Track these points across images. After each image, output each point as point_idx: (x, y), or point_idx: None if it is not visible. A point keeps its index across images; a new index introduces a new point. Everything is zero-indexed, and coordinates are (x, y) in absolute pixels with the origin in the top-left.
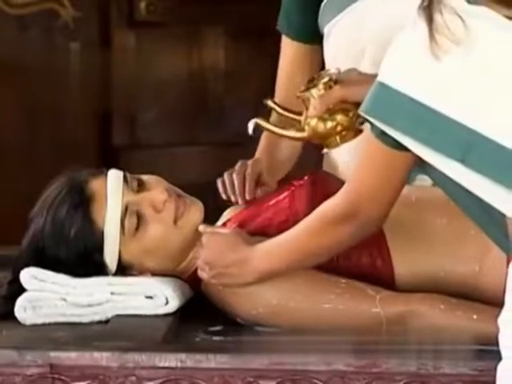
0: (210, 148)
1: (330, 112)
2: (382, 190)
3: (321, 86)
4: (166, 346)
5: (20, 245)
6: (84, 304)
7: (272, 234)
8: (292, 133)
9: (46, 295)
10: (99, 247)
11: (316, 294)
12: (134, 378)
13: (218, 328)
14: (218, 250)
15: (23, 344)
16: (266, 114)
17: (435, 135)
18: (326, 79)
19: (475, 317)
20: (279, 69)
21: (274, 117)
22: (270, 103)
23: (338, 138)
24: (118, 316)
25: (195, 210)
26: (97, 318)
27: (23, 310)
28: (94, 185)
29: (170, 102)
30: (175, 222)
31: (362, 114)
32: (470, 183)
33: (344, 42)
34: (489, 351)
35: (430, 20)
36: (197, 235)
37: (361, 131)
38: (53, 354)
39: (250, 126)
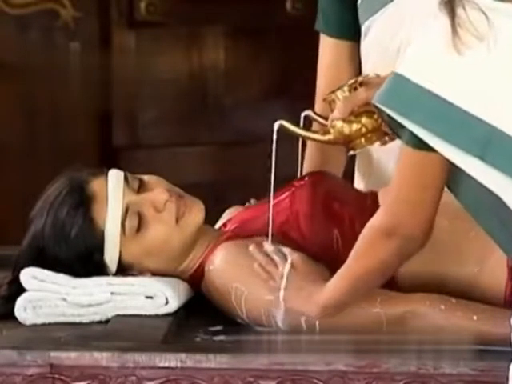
0: (210, 148)
1: (355, 114)
2: (420, 200)
3: (346, 88)
4: (166, 346)
5: (20, 245)
6: (84, 304)
7: (273, 234)
8: (317, 135)
9: (46, 295)
10: (99, 247)
11: None
12: (134, 378)
13: (218, 328)
14: (303, 273)
15: (23, 344)
16: (306, 124)
17: (454, 130)
18: (351, 81)
19: (475, 317)
20: (319, 68)
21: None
22: (311, 114)
23: (363, 140)
24: (118, 316)
25: (196, 210)
26: (97, 317)
27: (23, 309)
28: (95, 185)
29: (170, 101)
30: (176, 222)
31: (377, 104)
32: (489, 180)
33: (379, 42)
34: (489, 351)
35: (452, 15)
36: (197, 235)
37: (386, 133)
38: (53, 353)
39: (275, 127)
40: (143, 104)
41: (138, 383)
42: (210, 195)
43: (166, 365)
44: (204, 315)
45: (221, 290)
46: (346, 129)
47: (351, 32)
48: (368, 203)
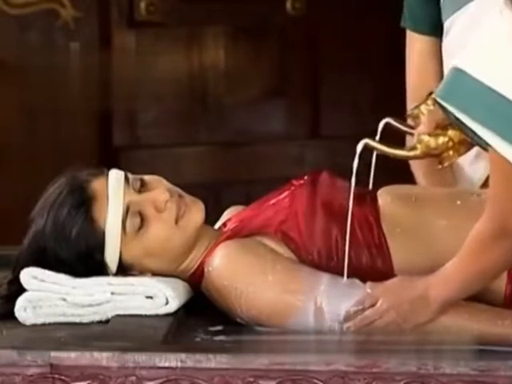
0: (210, 148)
1: (441, 127)
2: None
3: (429, 101)
4: (166, 346)
5: (20, 245)
6: (84, 304)
7: (272, 233)
8: (404, 152)
9: (46, 295)
10: (100, 247)
11: None
12: (134, 378)
13: (218, 328)
14: (397, 294)
15: (23, 344)
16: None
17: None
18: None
19: (500, 322)
20: (408, 66)
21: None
22: (391, 121)
23: (451, 152)
24: (118, 316)
25: (196, 210)
26: (97, 317)
27: (23, 309)
28: (95, 185)
29: (170, 102)
30: (176, 222)
31: (437, 99)
32: None
33: (460, 41)
34: (489, 351)
35: None
36: (197, 235)
37: (473, 144)
38: (53, 353)
39: (359, 147)
40: (143, 104)
41: (138, 383)
42: (209, 195)
43: (166, 365)
44: (204, 315)
45: (221, 289)
46: (433, 142)
47: (438, 29)
48: (367, 202)
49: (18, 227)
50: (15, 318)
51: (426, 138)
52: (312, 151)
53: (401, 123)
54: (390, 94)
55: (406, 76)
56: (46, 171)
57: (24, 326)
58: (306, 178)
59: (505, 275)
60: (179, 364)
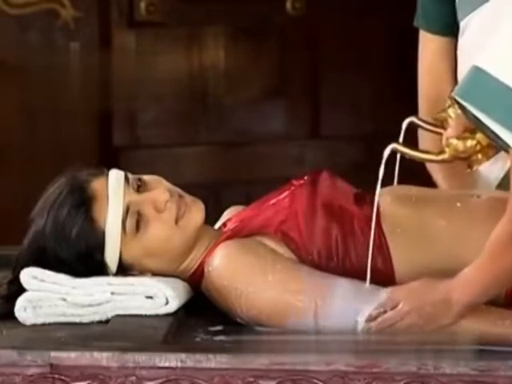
0: (210, 148)
1: (470, 131)
2: None
3: (457, 105)
4: (166, 346)
5: (20, 245)
6: (84, 304)
7: (272, 233)
8: (432, 156)
9: (46, 295)
10: (100, 247)
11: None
12: (134, 378)
13: (218, 328)
14: (418, 296)
15: (23, 344)
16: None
17: None
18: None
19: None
20: (420, 67)
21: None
22: (415, 120)
23: (479, 156)
24: (118, 316)
25: (196, 210)
26: (97, 317)
27: (23, 309)
28: (95, 185)
29: (170, 102)
30: (176, 222)
31: (456, 97)
32: None
33: (476, 41)
34: (489, 351)
35: None
36: (197, 235)
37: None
38: (53, 353)
39: (387, 151)
40: (143, 104)
41: (138, 383)
42: (209, 195)
43: (166, 365)
44: (204, 315)
45: (221, 289)
46: (461, 146)
47: (452, 28)
48: (367, 202)
49: (18, 227)
50: (15, 318)
51: (454, 141)
52: (312, 151)
53: (424, 122)
54: (390, 94)
55: (406, 76)
56: (46, 171)
57: (24, 326)
58: (306, 178)
59: None
60: (179, 364)
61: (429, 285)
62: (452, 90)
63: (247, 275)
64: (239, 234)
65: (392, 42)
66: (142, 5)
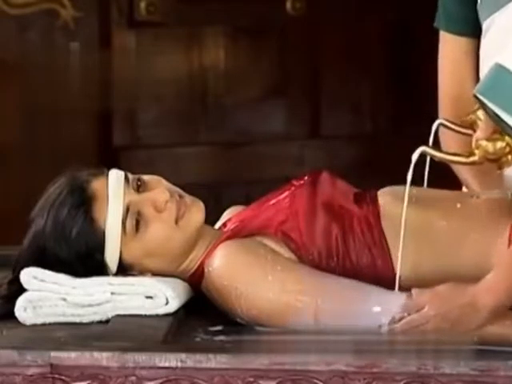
0: (210, 148)
1: (499, 132)
2: None
3: (478, 102)
4: (166, 346)
5: (20, 245)
6: (84, 304)
7: (272, 233)
8: (462, 158)
9: (46, 295)
10: (100, 247)
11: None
12: (134, 378)
13: (218, 328)
14: (444, 300)
15: (23, 344)
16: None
17: None
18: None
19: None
20: (440, 68)
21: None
22: (444, 122)
23: (509, 157)
24: (118, 316)
25: (196, 210)
26: (97, 317)
27: (23, 309)
28: (95, 185)
29: (170, 101)
30: (176, 222)
31: (477, 94)
32: None
33: (499, 42)
34: (489, 351)
35: None
36: (197, 235)
37: None
38: (53, 353)
39: (416, 154)
40: (143, 104)
41: (138, 383)
42: (210, 195)
43: (166, 365)
44: (204, 315)
45: (221, 289)
46: (491, 148)
47: (473, 29)
48: (367, 202)
49: (18, 227)
50: (15, 318)
51: (483, 143)
52: (312, 151)
53: (453, 124)
54: (390, 94)
55: (405, 76)
56: (46, 171)
57: (24, 326)
58: (306, 178)
59: None
60: (179, 364)
61: (454, 289)
62: (472, 111)
63: (247, 275)
64: (239, 234)
65: (392, 42)
66: (142, 5)
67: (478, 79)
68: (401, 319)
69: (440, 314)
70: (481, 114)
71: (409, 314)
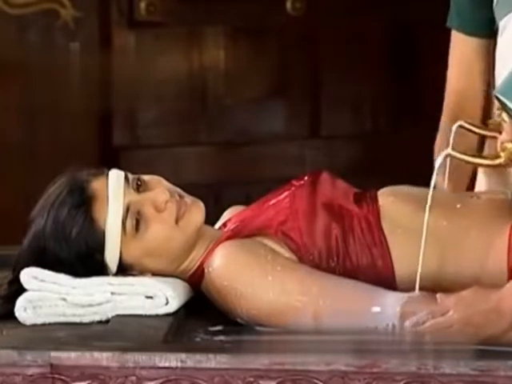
0: (210, 148)
1: None
2: None
3: (498, 102)
4: (166, 346)
5: (20, 245)
6: (84, 304)
7: (272, 234)
8: (488, 161)
9: (46, 295)
10: (100, 247)
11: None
12: (134, 378)
13: (218, 328)
14: (469, 305)
15: (23, 344)
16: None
17: None
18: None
19: None
20: (450, 67)
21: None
22: (464, 125)
23: None
24: (118, 316)
25: (196, 211)
26: (97, 317)
27: (23, 309)
28: (95, 185)
29: (170, 101)
30: (176, 222)
31: (498, 95)
32: None
33: None
34: (489, 351)
35: None
36: (197, 235)
37: None
38: (53, 353)
39: (440, 158)
40: (143, 104)
41: (138, 383)
42: (209, 195)
43: (166, 365)
44: (204, 315)
45: (221, 289)
46: None
47: (486, 29)
48: (367, 202)
49: (18, 227)
50: (15, 318)
51: (509, 145)
52: (312, 151)
53: (473, 125)
54: (390, 94)
55: (406, 76)
56: (46, 171)
57: (24, 325)
58: (306, 178)
59: (505, 273)
60: (179, 364)
61: (479, 293)
62: (498, 114)
63: (247, 275)
64: (239, 234)
65: (392, 42)
66: (142, 5)
67: (493, 78)
68: (424, 322)
69: (465, 318)
70: (505, 116)
71: (433, 318)
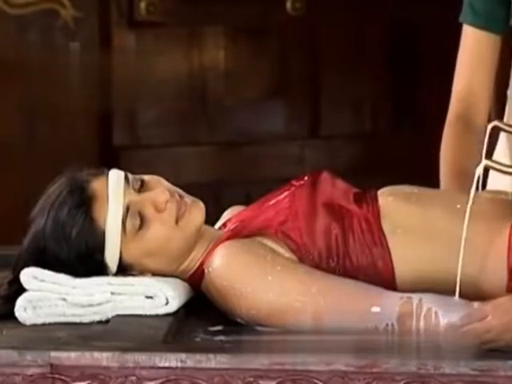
0: (210, 148)
1: None
2: None
3: None
4: (166, 346)
5: (20, 245)
6: (84, 304)
7: (272, 234)
8: None
9: (46, 295)
10: (100, 247)
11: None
12: (134, 378)
13: (218, 328)
14: (505, 312)
15: (23, 344)
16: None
17: None
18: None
19: None
20: (458, 62)
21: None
22: (499, 125)
23: None
24: (118, 316)
25: (196, 211)
26: (97, 317)
27: (23, 309)
28: (95, 185)
29: (170, 101)
30: (177, 222)
31: None
32: None
33: None
34: (489, 351)
35: None
36: (197, 235)
37: None
38: (53, 353)
39: (480, 169)
40: (143, 104)
41: (138, 383)
42: (209, 195)
43: (166, 365)
44: (204, 315)
45: (221, 289)
46: None
47: (500, 26)
48: (367, 202)
49: (18, 227)
50: (15, 318)
51: None
52: (312, 151)
53: (508, 125)
54: (390, 94)
55: (406, 76)
56: (46, 171)
57: (24, 325)
58: (306, 178)
59: (506, 273)
60: (179, 364)
61: None
62: None
63: (247, 275)
64: (239, 234)
65: (392, 42)
66: (142, 5)
67: (507, 77)
68: (461, 327)
69: (502, 323)
70: None
71: (471, 323)
